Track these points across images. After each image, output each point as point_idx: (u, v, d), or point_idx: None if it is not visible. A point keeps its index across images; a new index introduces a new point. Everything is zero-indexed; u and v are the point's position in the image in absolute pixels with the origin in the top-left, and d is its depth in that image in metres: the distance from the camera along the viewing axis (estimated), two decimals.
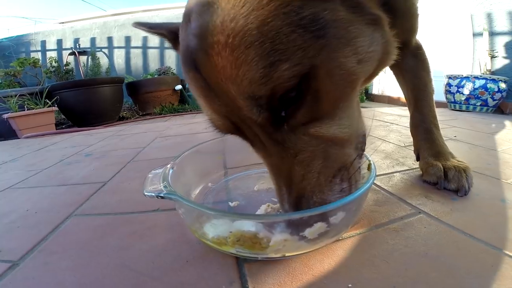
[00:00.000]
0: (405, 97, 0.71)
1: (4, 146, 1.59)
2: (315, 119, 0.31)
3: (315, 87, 0.28)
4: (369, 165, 0.44)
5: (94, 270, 0.39)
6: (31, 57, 3.55)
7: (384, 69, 0.41)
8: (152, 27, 0.45)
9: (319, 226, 0.33)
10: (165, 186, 0.40)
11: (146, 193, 0.40)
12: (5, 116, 2.13)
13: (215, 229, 0.37)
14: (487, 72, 2.05)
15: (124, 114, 3.33)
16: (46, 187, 0.77)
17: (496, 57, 2.10)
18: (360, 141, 0.38)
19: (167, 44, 0.45)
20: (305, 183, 0.32)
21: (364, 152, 0.49)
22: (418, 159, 0.66)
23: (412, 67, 0.66)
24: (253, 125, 0.31)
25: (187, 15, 0.31)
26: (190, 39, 0.29)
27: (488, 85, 1.84)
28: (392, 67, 0.70)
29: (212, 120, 0.35)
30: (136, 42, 4.40)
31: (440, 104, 2.03)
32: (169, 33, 0.43)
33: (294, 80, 0.26)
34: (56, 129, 2.27)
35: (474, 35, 2.26)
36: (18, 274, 0.40)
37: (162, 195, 0.38)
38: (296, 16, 0.26)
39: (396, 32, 0.35)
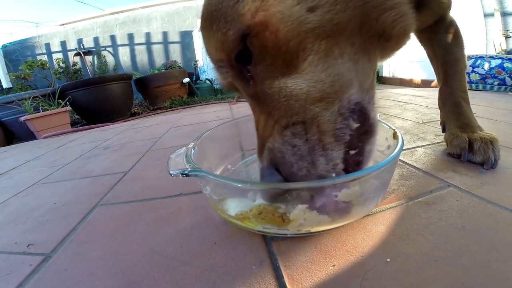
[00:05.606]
0: (435, 72, 0.68)
1: (25, 147, 1.64)
2: (281, 74, 0.32)
3: (260, 44, 0.30)
4: (395, 133, 0.43)
5: (125, 258, 0.39)
6: (38, 59, 3.60)
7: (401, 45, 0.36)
8: None
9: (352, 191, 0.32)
10: (189, 164, 0.40)
11: (171, 172, 0.39)
12: (22, 118, 2.20)
13: (240, 203, 0.36)
14: (503, 52, 2.00)
15: (135, 110, 3.38)
16: (70, 181, 0.79)
17: (510, 37, 2.05)
18: (345, 106, 0.32)
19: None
20: (264, 131, 0.35)
21: (386, 123, 0.47)
22: (444, 131, 0.64)
23: (444, 43, 0.63)
24: (235, 81, 0.36)
25: None
26: None
27: (505, 64, 1.78)
28: (423, 43, 0.68)
29: (218, 79, 0.40)
30: (139, 39, 4.39)
31: None
32: None
33: (237, 42, 0.31)
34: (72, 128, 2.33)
35: (485, 15, 2.21)
36: (51, 266, 0.40)
37: (187, 172, 0.38)
38: None
39: (434, 6, 0.33)
